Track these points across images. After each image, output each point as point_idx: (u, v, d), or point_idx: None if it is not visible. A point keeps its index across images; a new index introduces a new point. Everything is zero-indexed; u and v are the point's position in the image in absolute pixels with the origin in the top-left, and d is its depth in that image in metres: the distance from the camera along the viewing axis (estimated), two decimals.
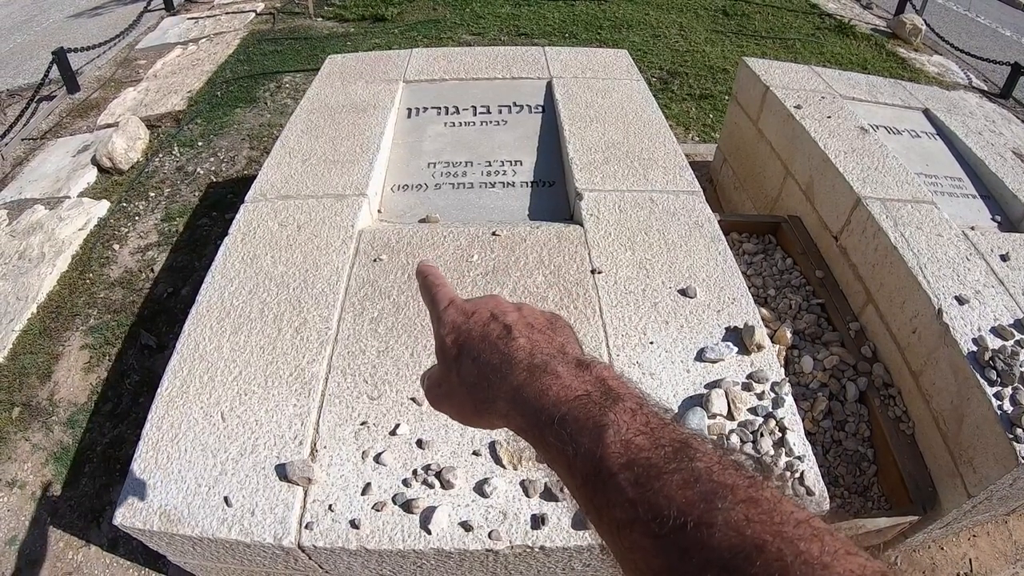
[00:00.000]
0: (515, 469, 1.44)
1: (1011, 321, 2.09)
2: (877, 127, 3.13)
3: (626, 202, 2.20)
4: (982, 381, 1.93)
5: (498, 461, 1.45)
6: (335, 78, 3.03)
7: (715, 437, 1.56)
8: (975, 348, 2.01)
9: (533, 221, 2.20)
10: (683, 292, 1.88)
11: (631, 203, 2.20)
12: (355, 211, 2.11)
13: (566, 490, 0.45)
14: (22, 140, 4.68)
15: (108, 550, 2.38)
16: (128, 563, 2.34)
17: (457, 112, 2.79)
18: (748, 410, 1.67)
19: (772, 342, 2.37)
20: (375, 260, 1.93)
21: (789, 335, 2.42)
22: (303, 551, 1.37)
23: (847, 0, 8.39)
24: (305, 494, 1.42)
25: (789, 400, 1.66)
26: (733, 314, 1.84)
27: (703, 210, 2.21)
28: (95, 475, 2.66)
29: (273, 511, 1.40)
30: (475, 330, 0.54)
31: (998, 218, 2.74)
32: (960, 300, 2.13)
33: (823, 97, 3.25)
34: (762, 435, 1.62)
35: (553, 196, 2.36)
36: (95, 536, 2.49)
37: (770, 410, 1.65)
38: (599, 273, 1.90)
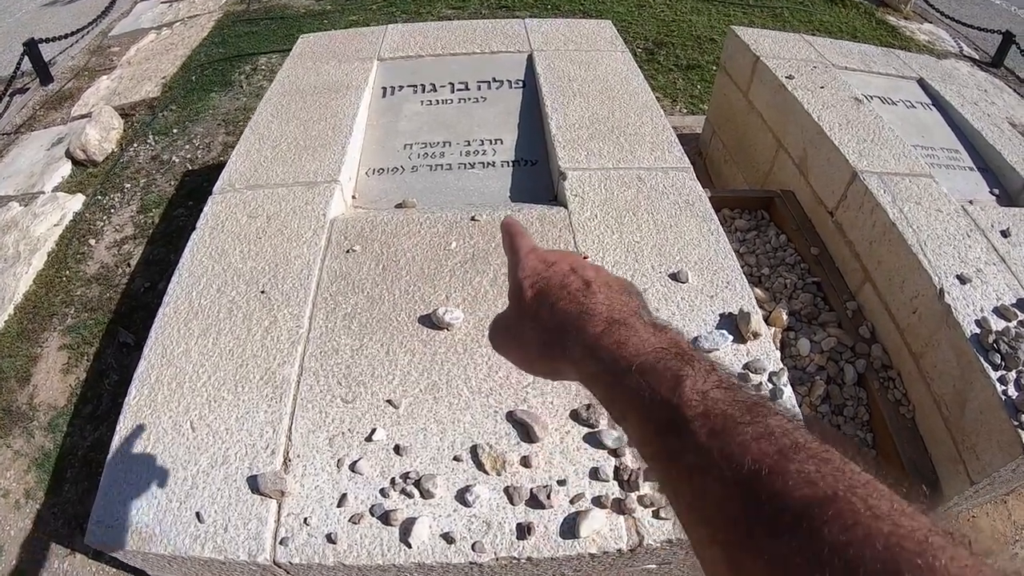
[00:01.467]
0: (498, 475, 1.35)
1: (1014, 300, 2.04)
2: (871, 97, 3.04)
3: (612, 181, 2.09)
4: (986, 365, 1.86)
5: (480, 467, 1.37)
6: (307, 58, 2.90)
7: None
8: (978, 330, 1.94)
9: (515, 203, 2.10)
10: (674, 277, 1.79)
11: (617, 182, 2.09)
12: (327, 199, 2.01)
13: (631, 441, 0.46)
14: None
15: (93, 558, 2.32)
16: (113, 571, 2.28)
17: (434, 89, 2.66)
18: None
19: (768, 324, 2.30)
20: (348, 251, 1.83)
21: (785, 317, 2.34)
22: (279, 567, 1.29)
23: None
24: (279, 507, 1.34)
25: (788, 391, 1.58)
26: (727, 300, 1.75)
27: (693, 188, 2.10)
28: (77, 480, 2.59)
29: (247, 526, 1.32)
30: (554, 279, 0.55)
31: (996, 191, 2.67)
32: (962, 279, 2.06)
33: (815, 67, 3.15)
34: None
35: (536, 175, 2.25)
36: (80, 544, 2.42)
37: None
38: (585, 257, 1.80)
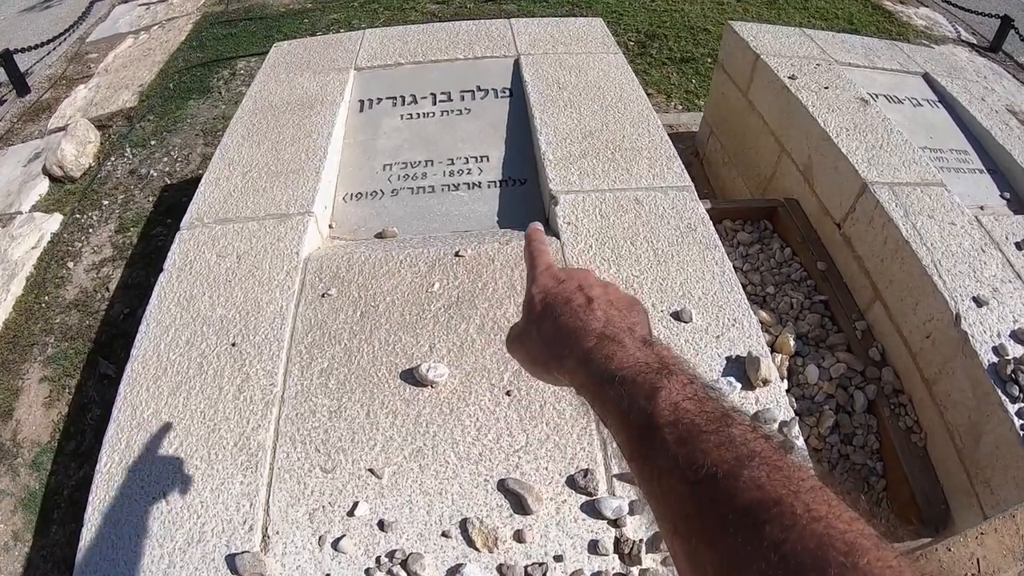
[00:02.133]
0: (490, 552, 1.25)
1: None
2: (877, 96, 2.90)
3: (608, 205, 1.96)
4: (1003, 397, 1.78)
5: (471, 544, 1.27)
6: (280, 70, 2.76)
7: None
8: (995, 359, 1.84)
9: (502, 230, 1.97)
10: (677, 316, 1.66)
11: (614, 206, 1.96)
12: (300, 234, 1.89)
13: (615, 441, 0.52)
14: None
15: None
16: None
17: (415, 101, 2.52)
18: None
19: (774, 351, 2.18)
20: (323, 295, 1.71)
21: (792, 342, 2.23)
22: None
23: None
24: None
25: (800, 443, 1.48)
26: (734, 340, 1.63)
27: (695, 209, 1.97)
28: (64, 521, 2.51)
29: None
30: (561, 295, 0.61)
31: (1007, 195, 2.55)
32: (978, 301, 1.96)
33: (818, 64, 3.01)
34: None
35: (525, 197, 2.12)
36: None
37: (795, 445, 1.46)
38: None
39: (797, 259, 2.60)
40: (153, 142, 4.19)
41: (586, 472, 1.34)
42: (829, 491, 0.40)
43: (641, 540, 1.26)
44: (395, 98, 2.55)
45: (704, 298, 1.71)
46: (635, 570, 1.24)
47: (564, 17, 3.26)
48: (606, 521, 1.30)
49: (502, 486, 1.34)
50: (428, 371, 1.48)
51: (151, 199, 3.77)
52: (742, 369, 1.55)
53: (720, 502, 0.40)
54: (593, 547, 1.27)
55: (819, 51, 3.16)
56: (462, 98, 2.53)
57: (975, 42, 5.99)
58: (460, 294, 1.69)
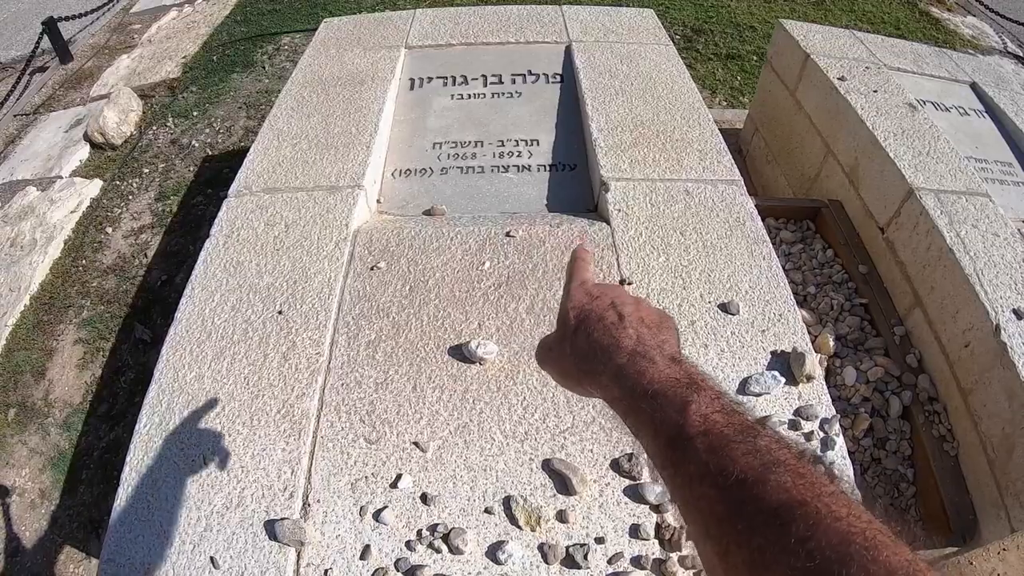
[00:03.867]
0: (532, 531, 1.24)
1: None
2: (925, 103, 2.85)
3: (658, 194, 1.93)
4: None
5: (514, 521, 1.25)
6: (330, 45, 2.75)
7: None
8: None
9: (552, 214, 1.95)
10: (724, 308, 1.64)
11: (664, 195, 1.93)
12: (350, 207, 1.88)
13: (644, 453, 0.54)
14: (14, 116, 4.45)
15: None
16: None
17: (465, 82, 2.50)
18: None
19: (813, 350, 2.21)
20: (372, 268, 1.70)
21: (832, 343, 2.21)
22: None
23: None
24: (298, 557, 1.24)
25: (840, 441, 1.46)
26: (779, 335, 1.60)
27: (744, 204, 1.94)
28: (93, 482, 2.53)
29: (264, 575, 1.22)
30: (595, 311, 0.62)
31: None
32: (1018, 314, 1.93)
33: (868, 67, 2.97)
34: None
35: (574, 182, 2.09)
36: (95, 548, 2.37)
37: (819, 454, 1.43)
38: (629, 284, 1.65)
39: (839, 261, 2.58)
40: (195, 113, 4.22)
41: (630, 456, 1.32)
42: (848, 496, 0.43)
43: (682, 527, 1.25)
44: (446, 78, 2.53)
45: (751, 292, 1.69)
46: (674, 556, 1.22)
47: (613, 7, 3.21)
48: (648, 506, 1.28)
49: (547, 466, 1.32)
50: (477, 348, 1.46)
51: (192, 169, 3.79)
52: (786, 364, 1.53)
53: (749, 504, 0.43)
54: (635, 531, 1.25)
55: (868, 54, 3.11)
56: (513, 81, 2.50)
57: (1022, 54, 5.85)
58: (510, 274, 1.67)
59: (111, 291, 3.15)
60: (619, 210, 1.86)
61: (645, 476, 1.32)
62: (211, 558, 1.25)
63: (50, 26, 4.78)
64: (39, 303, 3.13)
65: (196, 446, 1.40)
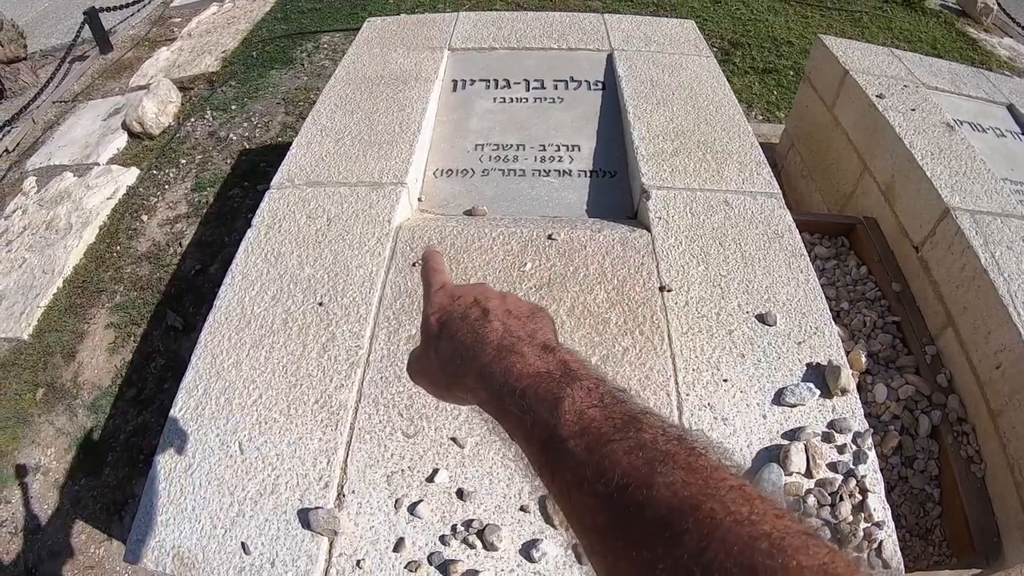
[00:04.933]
0: (567, 531, 1.22)
1: None
2: (962, 123, 2.84)
3: (698, 203, 1.93)
4: None
5: (548, 520, 1.25)
6: (373, 44, 2.78)
7: (791, 499, 1.44)
8: None
9: (592, 219, 1.95)
10: (761, 318, 1.63)
11: (704, 205, 1.92)
12: (393, 203, 1.89)
13: (524, 458, 0.49)
14: (53, 103, 4.53)
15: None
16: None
17: (508, 86, 2.52)
18: (827, 466, 1.49)
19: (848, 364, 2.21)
20: (414, 264, 1.71)
21: (864, 359, 2.20)
22: None
23: None
24: (331, 546, 1.25)
25: (872, 456, 1.47)
26: (815, 348, 1.59)
27: (783, 217, 1.93)
28: (118, 465, 2.55)
29: (295, 563, 1.23)
30: (457, 312, 0.58)
31: None
32: None
33: (906, 85, 2.96)
34: (841, 498, 1.45)
35: (615, 189, 2.09)
36: (117, 530, 2.38)
37: (851, 467, 1.46)
38: (669, 291, 1.65)
39: (872, 278, 2.58)
40: (234, 107, 4.27)
41: None
42: (751, 488, 0.37)
43: None
44: (488, 81, 2.54)
45: (788, 304, 1.68)
46: None
47: (654, 16, 3.21)
48: None
49: None
50: None
51: (229, 161, 3.83)
52: (822, 377, 1.52)
53: (634, 514, 0.38)
54: None
55: (906, 72, 3.12)
56: (555, 87, 2.51)
57: None
58: (551, 276, 1.67)
59: (144, 278, 3.18)
60: (659, 218, 1.85)
61: None
62: (242, 543, 1.25)
63: (92, 16, 4.88)
64: (72, 286, 3.17)
65: (232, 432, 1.41)
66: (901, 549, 1.83)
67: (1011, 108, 3.08)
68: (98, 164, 3.85)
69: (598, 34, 2.82)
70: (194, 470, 1.36)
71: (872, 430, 1.55)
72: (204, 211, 3.50)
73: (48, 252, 3.30)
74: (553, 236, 1.76)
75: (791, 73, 4.74)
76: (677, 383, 1.48)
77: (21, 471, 2.54)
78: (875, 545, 1.39)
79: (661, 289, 1.64)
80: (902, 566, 1.38)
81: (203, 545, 1.27)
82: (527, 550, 1.23)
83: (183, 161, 3.87)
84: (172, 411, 1.46)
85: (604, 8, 5.44)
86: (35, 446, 2.63)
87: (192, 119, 4.21)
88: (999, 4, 6.71)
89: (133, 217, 3.52)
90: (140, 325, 2.98)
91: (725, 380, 1.49)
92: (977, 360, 2.10)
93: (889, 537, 1.39)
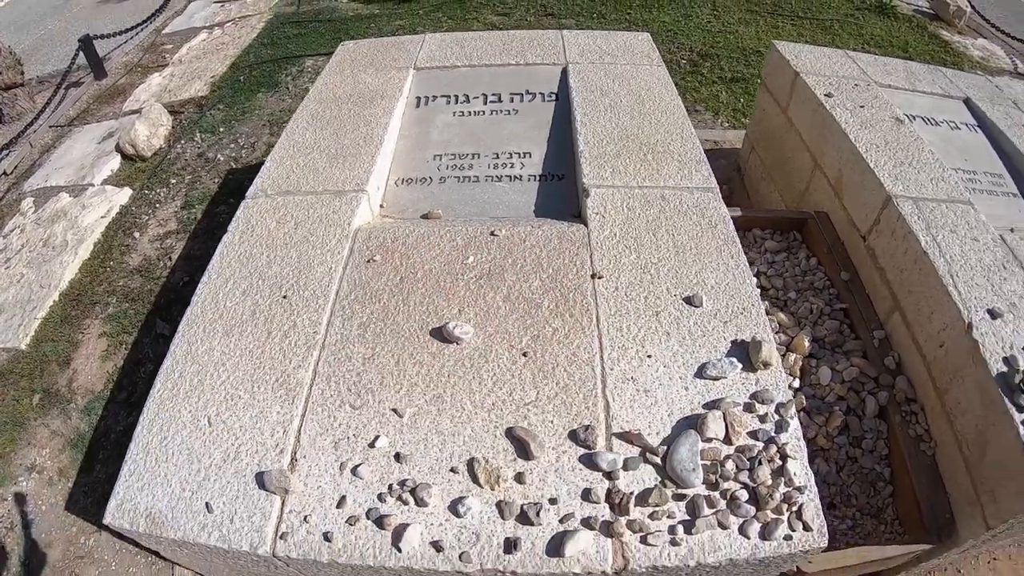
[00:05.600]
0: (492, 490, 1.39)
1: None
2: (914, 117, 2.96)
3: (635, 199, 2.10)
4: (1010, 406, 1.76)
5: (475, 480, 1.41)
6: (345, 66, 2.97)
7: (708, 463, 1.52)
8: (1005, 369, 1.84)
9: (538, 219, 2.12)
10: (688, 300, 1.79)
11: (640, 200, 2.10)
12: (353, 208, 2.06)
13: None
14: (50, 127, 4.74)
15: (119, 537, 2.40)
16: (136, 550, 2.37)
17: (467, 100, 2.71)
18: (748, 434, 1.59)
19: (789, 350, 2.28)
20: (369, 261, 1.88)
21: (807, 344, 2.31)
22: (278, 560, 1.35)
23: None
24: (282, 504, 1.41)
25: (794, 424, 1.59)
26: (741, 326, 1.75)
27: (718, 208, 2.10)
28: (108, 462, 2.70)
29: (251, 519, 1.39)
30: None
31: None
32: (993, 314, 1.97)
33: (857, 84, 3.09)
34: (760, 463, 1.54)
35: (562, 191, 2.27)
36: None
37: (772, 434, 1.57)
38: (599, 278, 1.81)
39: (822, 269, 2.67)
40: (222, 129, 4.47)
41: (588, 427, 1.47)
42: None
43: (632, 493, 1.39)
44: (449, 96, 2.73)
45: (717, 287, 1.84)
46: (623, 519, 1.36)
47: (611, 31, 3.39)
48: (601, 473, 1.43)
49: (509, 433, 1.48)
50: (454, 329, 1.63)
51: (216, 181, 4.02)
52: (745, 352, 1.67)
53: None
54: (586, 495, 1.40)
55: (860, 72, 3.23)
56: (511, 99, 2.70)
57: None
58: (491, 267, 1.84)
59: (136, 290, 3.35)
60: (597, 213, 2.03)
61: (600, 446, 1.47)
62: (206, 503, 1.42)
63: (86, 44, 5.10)
64: (68, 299, 3.34)
65: (203, 408, 1.58)
66: (852, 528, 1.97)
67: (967, 102, 3.19)
68: (93, 185, 4.04)
69: (555, 49, 3.01)
70: (168, 442, 1.53)
71: (794, 400, 1.68)
72: (192, 227, 3.68)
73: (45, 268, 3.47)
74: (496, 232, 1.93)
75: (758, 81, 4.90)
76: (603, 359, 1.63)
77: (17, 471, 2.69)
78: (795, 508, 1.48)
79: (593, 276, 1.81)
80: (825, 529, 1.47)
81: (172, 506, 1.43)
82: (455, 506, 1.39)
83: (173, 181, 4.06)
84: (151, 392, 1.63)
85: (577, 26, 5.65)
86: (31, 447, 2.77)
87: (182, 141, 4.40)
88: (972, 6, 6.83)
89: (126, 234, 3.69)
90: (131, 334, 3.14)
91: (649, 356, 1.65)
92: (923, 340, 2.16)
93: (811, 501, 1.48)
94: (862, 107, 2.88)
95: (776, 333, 2.40)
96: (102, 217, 3.79)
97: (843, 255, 2.64)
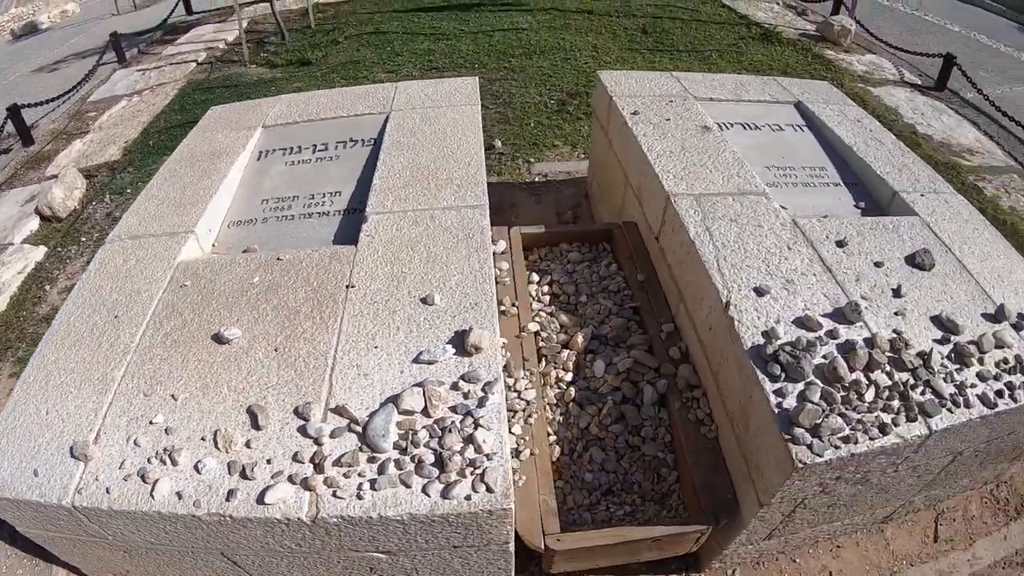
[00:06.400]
0: (226, 452, 1.83)
1: (829, 310, 2.04)
2: (731, 124, 3.20)
3: (406, 221, 2.56)
4: (762, 377, 1.83)
5: (216, 445, 1.85)
6: (207, 128, 3.47)
7: (402, 432, 1.80)
8: (762, 341, 1.92)
9: (324, 246, 2.55)
10: (424, 300, 2.20)
11: (410, 221, 2.56)
12: (179, 246, 2.55)
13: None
14: None
15: (9, 543, 2.71)
16: (23, 555, 2.67)
17: (299, 151, 3.18)
18: (449, 408, 1.84)
19: (567, 348, 2.54)
20: (181, 286, 2.37)
21: (581, 340, 2.53)
22: (76, 510, 1.79)
23: (780, 8, 8.48)
24: (84, 468, 1.84)
25: (494, 399, 1.85)
26: (468, 319, 2.11)
27: (479, 222, 2.52)
28: None
29: (61, 479, 1.82)
30: None
31: (863, 204, 2.76)
32: (759, 291, 2.09)
33: (671, 101, 3.30)
34: (450, 431, 1.77)
35: (356, 221, 2.67)
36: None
37: (471, 409, 1.83)
38: (352, 287, 2.27)
39: (622, 273, 2.88)
40: (129, 191, 4.97)
41: (308, 404, 1.91)
42: None
43: (330, 455, 1.79)
44: (285, 149, 3.23)
45: (456, 288, 2.25)
46: (320, 476, 1.76)
47: (440, 79, 3.85)
48: (311, 439, 1.84)
49: (249, 409, 1.93)
50: (225, 332, 2.12)
51: None
52: (462, 340, 2.05)
53: None
54: (296, 456, 1.81)
55: (680, 89, 3.45)
56: (336, 147, 3.19)
57: (920, 83, 6.41)
58: (271, 284, 2.33)
59: (42, 335, 3.78)
60: (368, 235, 2.51)
61: (315, 419, 1.88)
62: (34, 470, 1.86)
63: (13, 112, 5.58)
64: None
65: (44, 402, 2.03)
66: (631, 513, 2.20)
67: (798, 104, 3.43)
68: (12, 244, 4.52)
69: (385, 100, 3.51)
70: (17, 428, 1.97)
71: (500, 378, 1.92)
72: None
73: None
74: (281, 257, 2.43)
75: None
76: (336, 351, 2.07)
77: None
78: (480, 472, 1.71)
79: (347, 287, 2.29)
80: (510, 491, 1.69)
81: (12, 475, 1.85)
82: (197, 465, 1.81)
83: (83, 239, 4.55)
84: (12, 394, 2.07)
85: (468, 74, 6.17)
86: None
87: (93, 203, 4.90)
88: (859, 24, 7.27)
89: (38, 287, 4.16)
90: None
91: (376, 347, 2.07)
92: (699, 326, 2.28)
93: (500, 467, 1.72)
94: (668, 120, 3.11)
95: (557, 333, 2.65)
96: (19, 273, 4.26)
97: (645, 258, 2.87)
